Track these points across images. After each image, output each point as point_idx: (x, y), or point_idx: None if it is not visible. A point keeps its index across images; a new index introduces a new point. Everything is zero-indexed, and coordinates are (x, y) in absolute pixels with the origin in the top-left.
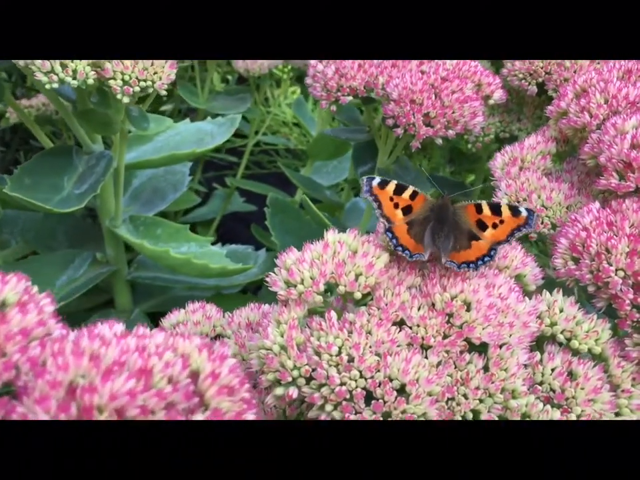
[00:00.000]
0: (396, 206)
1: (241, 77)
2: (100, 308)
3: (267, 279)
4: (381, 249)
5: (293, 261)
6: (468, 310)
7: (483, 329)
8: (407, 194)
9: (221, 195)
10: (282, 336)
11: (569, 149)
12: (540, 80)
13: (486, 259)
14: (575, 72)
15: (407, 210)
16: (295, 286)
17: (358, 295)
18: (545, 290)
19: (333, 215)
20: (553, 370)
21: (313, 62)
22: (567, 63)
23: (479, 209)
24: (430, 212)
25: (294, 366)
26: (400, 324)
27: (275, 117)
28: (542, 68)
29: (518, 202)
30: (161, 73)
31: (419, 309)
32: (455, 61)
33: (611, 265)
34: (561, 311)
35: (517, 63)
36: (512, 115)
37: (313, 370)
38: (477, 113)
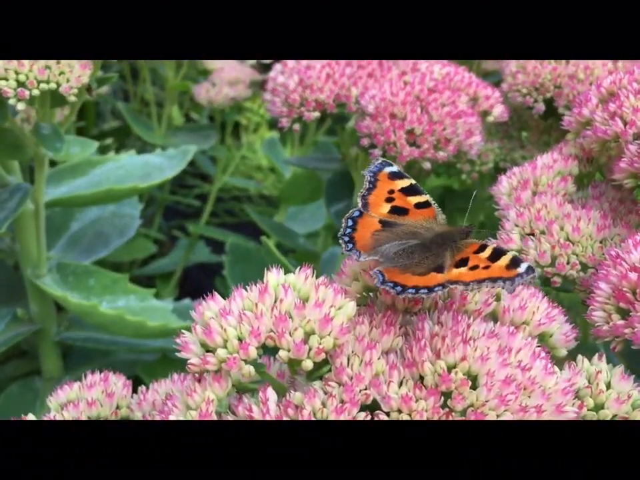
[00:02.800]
0: (388, 200)
1: (211, 118)
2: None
3: (177, 340)
4: (345, 296)
5: (214, 314)
6: (474, 387)
7: (498, 415)
8: (416, 199)
9: (185, 244)
10: None
11: (593, 169)
12: (548, 95)
13: (422, 290)
14: (591, 84)
15: (399, 211)
16: (214, 351)
17: (308, 364)
18: (580, 356)
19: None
20: None
21: (272, 74)
22: (581, 74)
23: (481, 249)
24: (425, 232)
25: None
26: (372, 409)
27: (248, 162)
28: (550, 81)
29: (533, 235)
30: (68, 73)
31: (400, 384)
32: (445, 70)
33: None
34: (609, 387)
35: (520, 75)
36: (513, 141)
37: None
38: (473, 131)
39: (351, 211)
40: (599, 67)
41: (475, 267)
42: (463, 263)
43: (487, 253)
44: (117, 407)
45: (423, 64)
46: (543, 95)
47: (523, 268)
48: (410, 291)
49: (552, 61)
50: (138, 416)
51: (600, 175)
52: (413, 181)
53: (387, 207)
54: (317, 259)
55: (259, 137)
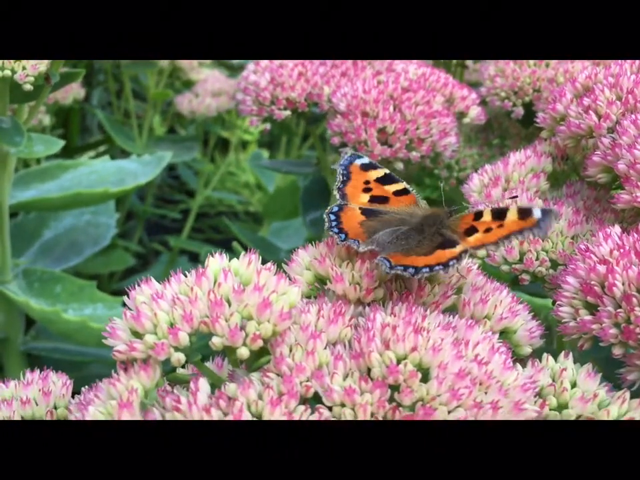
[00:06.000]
0: (366, 190)
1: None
2: None
3: (106, 328)
4: (290, 282)
5: (146, 298)
6: (425, 380)
7: (449, 412)
8: (393, 187)
9: (167, 260)
10: None
11: (568, 168)
12: (527, 99)
13: (437, 267)
14: None
15: (379, 199)
16: (142, 336)
17: (244, 352)
18: (546, 354)
19: None
20: None
21: (244, 73)
22: (561, 77)
23: (478, 215)
24: (410, 218)
25: None
26: (313, 402)
27: (236, 179)
28: (529, 84)
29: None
30: (24, 60)
31: (345, 377)
32: (420, 71)
33: None
34: (574, 385)
35: (498, 79)
36: (493, 148)
37: None
38: (448, 132)
39: (329, 207)
40: (579, 69)
41: (488, 230)
42: (471, 231)
43: (487, 216)
44: (55, 407)
45: (399, 64)
46: (521, 99)
47: (537, 214)
48: (424, 270)
49: (531, 64)
50: (77, 417)
51: (576, 175)
52: (387, 170)
53: (365, 197)
54: None
55: (248, 155)
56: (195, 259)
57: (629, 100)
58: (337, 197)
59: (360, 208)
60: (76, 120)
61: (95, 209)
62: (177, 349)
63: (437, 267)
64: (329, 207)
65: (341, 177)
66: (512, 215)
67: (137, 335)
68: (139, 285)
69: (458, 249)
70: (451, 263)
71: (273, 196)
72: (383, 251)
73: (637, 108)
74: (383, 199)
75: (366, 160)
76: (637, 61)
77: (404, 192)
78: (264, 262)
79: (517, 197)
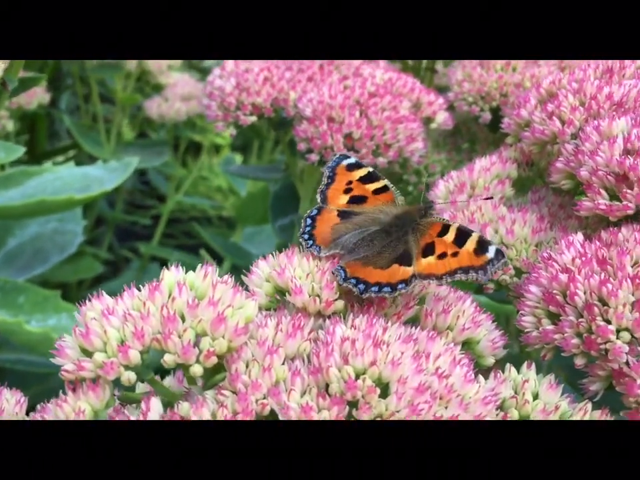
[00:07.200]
0: (347, 191)
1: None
2: None
3: (55, 345)
4: (247, 295)
5: (97, 314)
6: (384, 395)
7: None
8: (374, 186)
9: (138, 267)
10: None
11: (534, 174)
12: (494, 104)
13: (385, 289)
14: None
15: (357, 200)
16: (92, 355)
17: (197, 370)
18: (508, 364)
19: None
20: None
21: (210, 78)
22: (527, 82)
23: (444, 230)
24: (383, 217)
25: None
26: (269, 421)
27: (208, 183)
28: (496, 89)
29: None
30: None
31: (303, 393)
32: (387, 75)
33: (610, 323)
34: (536, 397)
35: (466, 84)
36: (462, 153)
37: None
38: (415, 137)
39: (309, 210)
40: (545, 74)
41: (443, 255)
42: (429, 249)
43: (451, 234)
44: None
45: (366, 69)
46: (489, 104)
47: (491, 252)
48: (373, 289)
49: (498, 69)
50: None
51: (542, 181)
52: (371, 169)
53: (345, 198)
54: None
55: (221, 159)
56: (167, 266)
57: (592, 106)
58: (318, 199)
59: (337, 210)
60: (43, 125)
61: (61, 216)
62: (127, 368)
63: (385, 289)
64: (308, 211)
65: (325, 180)
66: (470, 244)
67: (87, 353)
68: (89, 300)
69: (409, 270)
70: (399, 287)
71: (245, 201)
72: (347, 255)
73: (600, 114)
74: (361, 199)
75: (352, 160)
76: (601, 67)
77: (383, 189)
78: (236, 268)
79: (491, 197)
